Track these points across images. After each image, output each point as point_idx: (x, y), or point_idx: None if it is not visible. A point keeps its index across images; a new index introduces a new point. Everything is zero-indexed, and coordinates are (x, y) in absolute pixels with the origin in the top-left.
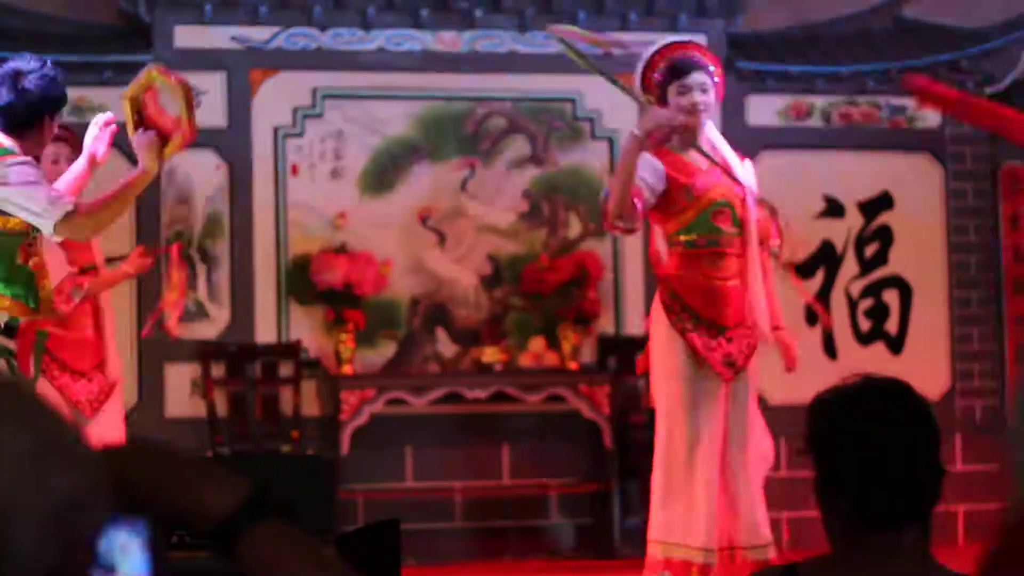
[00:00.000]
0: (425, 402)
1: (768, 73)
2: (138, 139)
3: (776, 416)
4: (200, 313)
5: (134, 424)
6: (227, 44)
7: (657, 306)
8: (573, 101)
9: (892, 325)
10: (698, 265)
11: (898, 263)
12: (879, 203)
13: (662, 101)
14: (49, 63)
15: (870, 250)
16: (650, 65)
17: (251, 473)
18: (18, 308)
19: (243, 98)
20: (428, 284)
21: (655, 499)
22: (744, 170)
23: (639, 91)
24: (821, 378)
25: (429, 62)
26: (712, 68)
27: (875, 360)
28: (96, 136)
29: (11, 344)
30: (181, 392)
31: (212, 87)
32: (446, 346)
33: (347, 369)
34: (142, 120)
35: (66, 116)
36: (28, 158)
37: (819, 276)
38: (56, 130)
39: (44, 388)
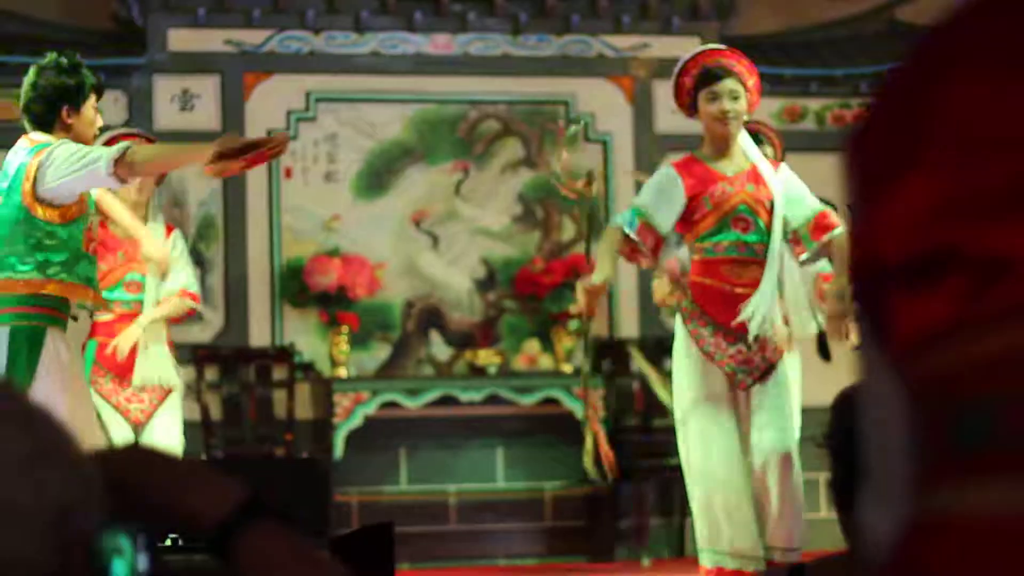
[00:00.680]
0: (419, 405)
1: (762, 76)
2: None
3: None
4: (194, 316)
5: None
6: (221, 47)
7: (678, 313)
8: (567, 104)
9: None
10: (718, 272)
11: None
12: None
13: (692, 108)
14: (63, 55)
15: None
16: (683, 71)
17: (245, 476)
18: (89, 294)
19: (237, 101)
20: (422, 287)
21: (693, 508)
22: (776, 177)
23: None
24: (816, 381)
25: (422, 65)
26: (746, 75)
27: None
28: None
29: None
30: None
31: (205, 90)
32: (440, 349)
33: (341, 372)
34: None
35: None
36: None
37: None
38: (98, 120)
39: (85, 398)
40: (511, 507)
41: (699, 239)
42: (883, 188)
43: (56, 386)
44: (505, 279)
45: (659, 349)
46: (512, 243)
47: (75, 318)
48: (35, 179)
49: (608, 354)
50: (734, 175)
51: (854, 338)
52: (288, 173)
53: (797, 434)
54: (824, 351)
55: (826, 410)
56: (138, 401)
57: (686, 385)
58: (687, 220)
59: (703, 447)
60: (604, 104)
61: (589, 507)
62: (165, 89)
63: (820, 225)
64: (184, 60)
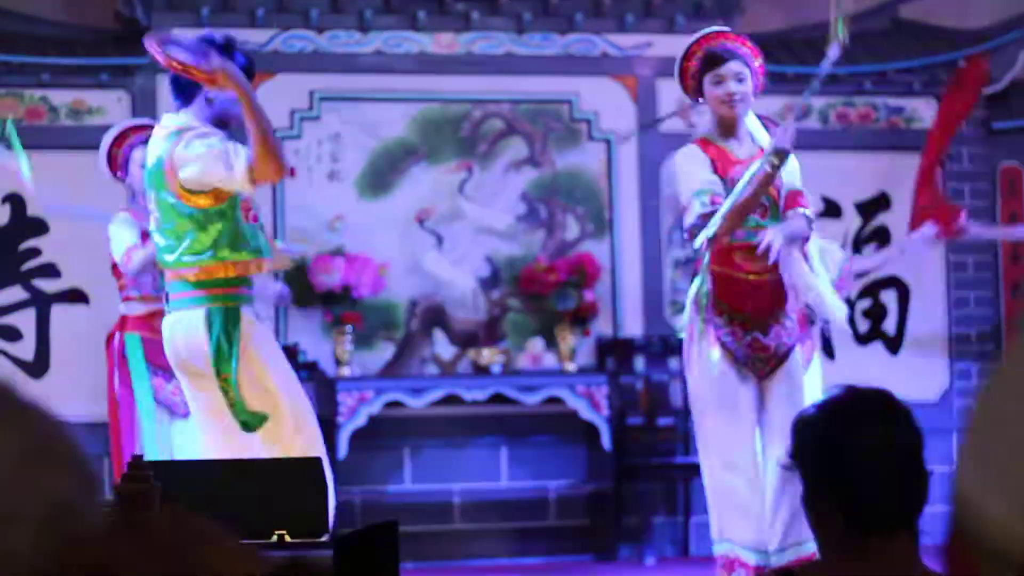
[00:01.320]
0: (423, 404)
1: (765, 74)
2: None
3: None
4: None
5: None
6: None
7: (689, 302)
8: (570, 102)
9: (890, 325)
10: (732, 259)
11: (896, 263)
12: (876, 203)
13: (697, 91)
14: (223, 35)
15: (868, 251)
16: (688, 55)
17: (250, 475)
18: (261, 263)
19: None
20: (426, 286)
21: (709, 500)
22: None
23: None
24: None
25: (426, 64)
26: (751, 57)
27: (873, 360)
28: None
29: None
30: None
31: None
32: (444, 348)
33: (345, 371)
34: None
35: (64, 119)
36: (207, 128)
37: None
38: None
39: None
40: (515, 506)
41: None
42: None
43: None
44: (509, 278)
45: (665, 348)
46: (516, 242)
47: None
48: (177, 173)
49: (612, 353)
50: (747, 159)
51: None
52: (292, 172)
53: None
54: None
55: None
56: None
57: (702, 378)
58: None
59: (722, 439)
60: (608, 103)
61: (593, 506)
62: (169, 89)
63: (788, 199)
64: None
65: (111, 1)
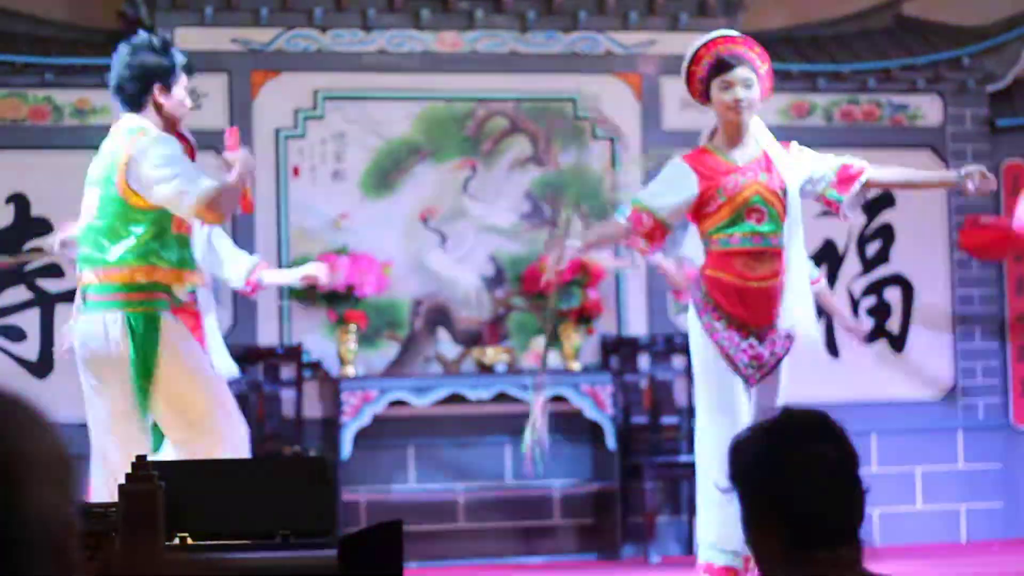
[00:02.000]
0: (427, 403)
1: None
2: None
3: None
4: None
5: None
6: (228, 46)
7: (691, 306)
8: (574, 101)
9: (894, 323)
10: (732, 265)
11: (900, 261)
12: (880, 201)
13: (704, 95)
14: (156, 36)
15: (872, 248)
16: (695, 59)
17: (253, 475)
18: (182, 277)
19: (244, 100)
20: (430, 285)
21: (702, 503)
22: (787, 162)
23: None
24: (825, 376)
25: (430, 63)
26: (759, 63)
27: (877, 359)
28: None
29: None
30: None
31: (213, 89)
32: (448, 347)
33: (349, 371)
34: None
35: (67, 119)
36: (167, 135)
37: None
38: (185, 103)
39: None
40: (520, 505)
41: (713, 231)
42: None
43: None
44: (513, 277)
45: (668, 347)
46: (520, 241)
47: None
48: (127, 172)
49: (616, 351)
50: (746, 164)
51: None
52: (296, 172)
53: None
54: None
55: (828, 407)
56: None
57: (704, 381)
58: (701, 212)
59: (721, 444)
60: (612, 101)
61: (597, 504)
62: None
63: (843, 179)
64: (192, 59)
65: (114, 1)
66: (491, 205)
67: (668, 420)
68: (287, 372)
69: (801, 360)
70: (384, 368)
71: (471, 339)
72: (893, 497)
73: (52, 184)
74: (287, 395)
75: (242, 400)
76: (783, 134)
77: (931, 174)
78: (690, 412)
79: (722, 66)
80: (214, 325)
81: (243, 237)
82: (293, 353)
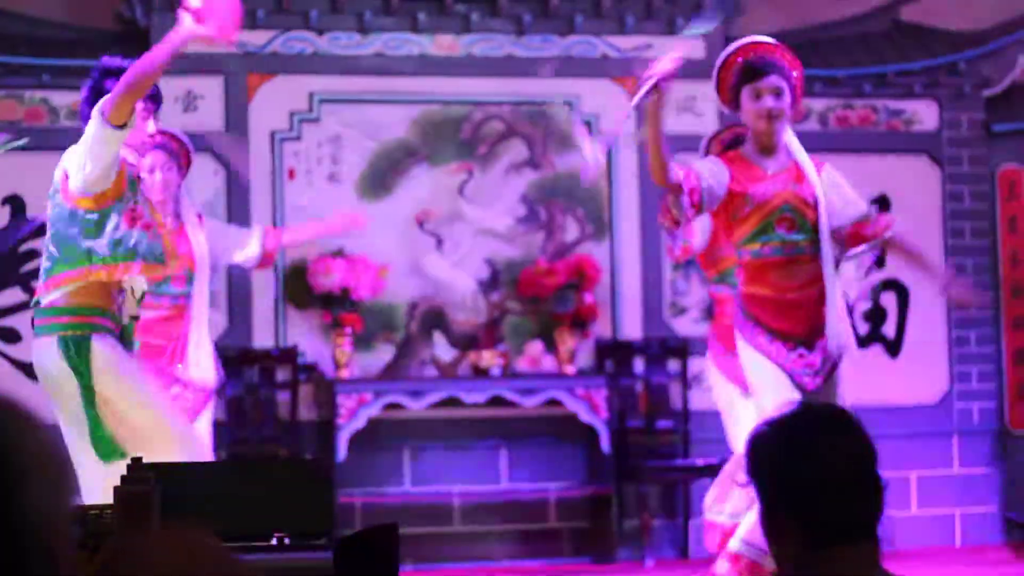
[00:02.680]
0: (423, 406)
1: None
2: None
3: None
4: None
5: None
6: (224, 48)
7: (735, 325)
8: (571, 104)
9: (890, 328)
10: (766, 277)
11: (895, 266)
12: (876, 206)
13: (734, 103)
14: (116, 60)
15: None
16: (725, 65)
17: (249, 477)
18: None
19: (240, 102)
20: (426, 288)
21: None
22: (819, 175)
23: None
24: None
25: (426, 66)
26: (790, 70)
27: (873, 363)
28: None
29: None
30: None
31: (209, 91)
32: (444, 350)
33: (344, 373)
34: None
35: (64, 120)
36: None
37: None
38: (149, 126)
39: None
40: (515, 508)
41: (745, 241)
42: None
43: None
44: (509, 280)
45: (663, 350)
46: (516, 244)
47: (135, 317)
48: (65, 176)
49: (612, 355)
50: (775, 173)
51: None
52: (292, 174)
53: None
54: None
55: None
56: (183, 400)
57: (763, 387)
58: (729, 216)
59: None
60: (608, 105)
61: (593, 508)
62: (168, 90)
63: (855, 235)
64: (187, 61)
65: (111, 2)
66: (487, 208)
67: (663, 424)
68: (282, 374)
69: None
70: (379, 371)
71: (467, 342)
72: (888, 501)
73: (48, 186)
74: (282, 398)
75: (237, 403)
76: None
77: (933, 266)
78: (685, 416)
79: (752, 73)
80: (203, 333)
81: None
82: (288, 355)
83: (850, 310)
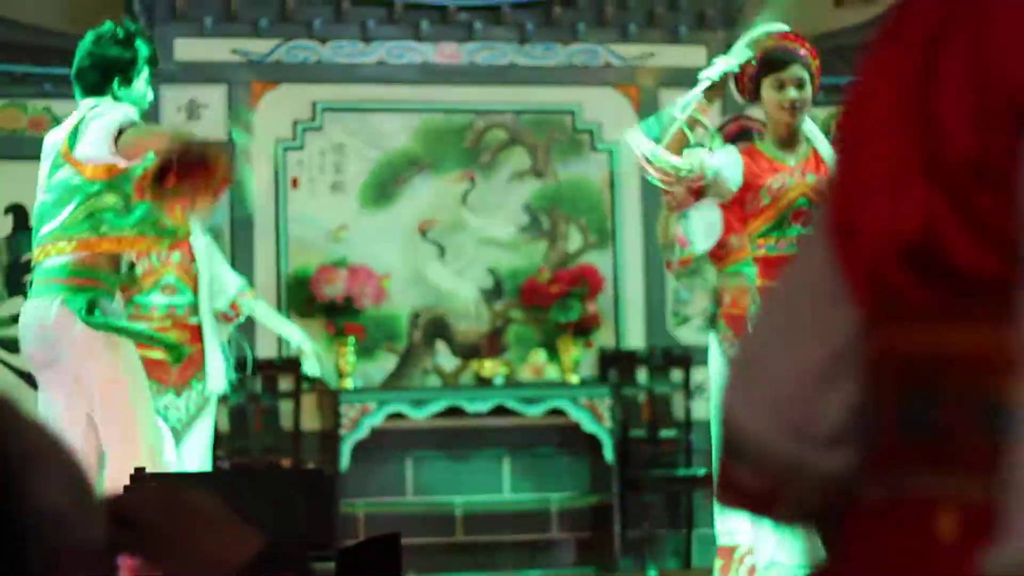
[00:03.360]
0: (425, 416)
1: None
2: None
3: None
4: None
5: None
6: (227, 57)
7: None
8: (573, 113)
9: None
10: (782, 271)
11: None
12: None
13: (755, 94)
14: (121, 26)
15: None
16: None
17: (251, 487)
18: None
19: (243, 111)
20: (428, 297)
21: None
22: None
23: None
24: None
25: (429, 74)
26: (811, 61)
27: None
28: None
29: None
30: None
31: (212, 100)
32: (446, 359)
33: (347, 383)
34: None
35: None
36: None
37: None
38: (147, 97)
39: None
40: (517, 518)
41: (759, 234)
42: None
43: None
44: (512, 289)
45: (667, 360)
46: (519, 253)
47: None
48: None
49: (615, 364)
50: (794, 166)
51: None
52: (295, 183)
53: None
54: None
55: None
56: (175, 409)
57: None
58: (743, 209)
59: None
60: (611, 113)
61: (595, 518)
62: (172, 99)
63: None
64: (191, 70)
65: (115, 11)
66: (490, 217)
67: (666, 433)
68: (285, 384)
69: None
70: (382, 381)
71: (469, 352)
72: None
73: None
74: (285, 407)
75: (240, 412)
76: None
77: None
78: (688, 426)
79: (775, 64)
80: (215, 343)
81: (242, 249)
82: (291, 365)
83: None
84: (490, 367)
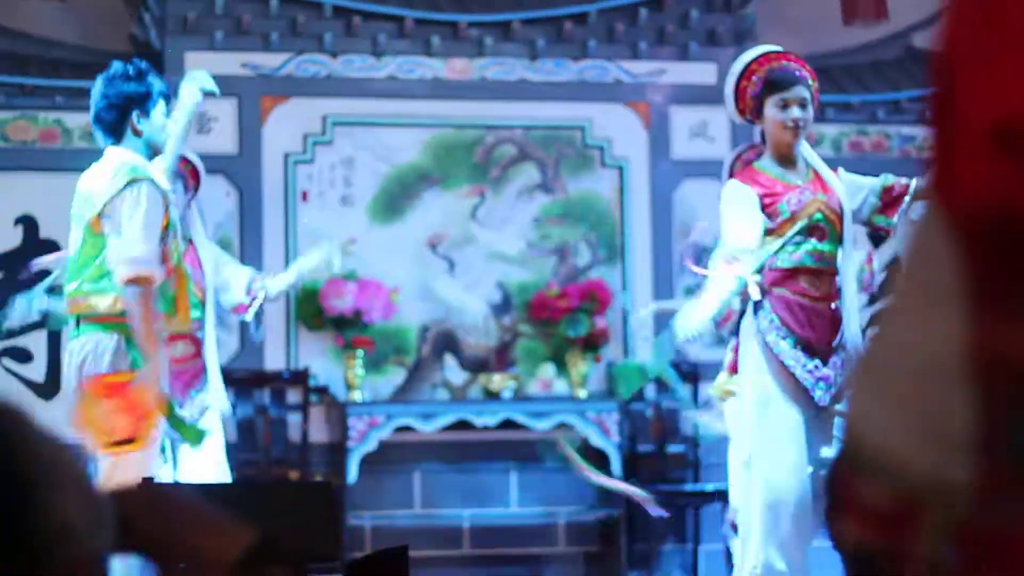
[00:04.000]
0: (434, 429)
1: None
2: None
3: None
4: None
5: None
6: (238, 71)
7: (748, 327)
8: (583, 129)
9: None
10: (797, 283)
11: None
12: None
13: (757, 114)
14: (133, 63)
15: (879, 280)
16: (745, 74)
17: (259, 499)
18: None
19: (254, 125)
20: (437, 311)
21: (750, 531)
22: (840, 189)
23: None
24: None
25: (439, 89)
26: (811, 82)
27: None
28: None
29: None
30: None
31: (223, 114)
32: (455, 373)
33: (356, 396)
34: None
35: (77, 142)
36: (161, 187)
37: None
38: (165, 128)
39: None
40: (525, 532)
41: (776, 249)
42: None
43: None
44: (520, 304)
45: (675, 374)
46: (528, 268)
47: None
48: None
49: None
50: (803, 184)
51: None
52: (304, 197)
53: None
54: None
55: None
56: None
57: (758, 406)
58: (765, 229)
59: (772, 471)
60: (621, 130)
61: (602, 532)
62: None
63: (888, 202)
64: (170, 85)
65: (125, 24)
66: (499, 232)
67: (674, 448)
68: (293, 397)
69: None
70: (391, 394)
71: (478, 365)
72: None
73: (61, 207)
74: (293, 420)
75: (248, 424)
76: None
77: None
78: (696, 441)
79: (778, 84)
80: (216, 359)
81: (251, 261)
82: (300, 378)
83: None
84: (498, 381)
